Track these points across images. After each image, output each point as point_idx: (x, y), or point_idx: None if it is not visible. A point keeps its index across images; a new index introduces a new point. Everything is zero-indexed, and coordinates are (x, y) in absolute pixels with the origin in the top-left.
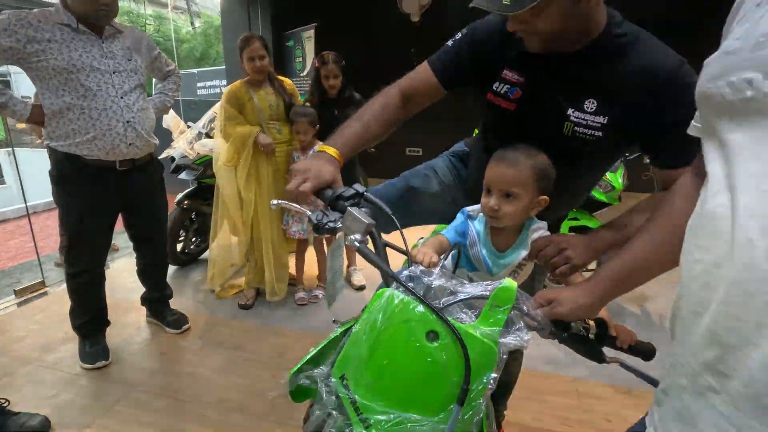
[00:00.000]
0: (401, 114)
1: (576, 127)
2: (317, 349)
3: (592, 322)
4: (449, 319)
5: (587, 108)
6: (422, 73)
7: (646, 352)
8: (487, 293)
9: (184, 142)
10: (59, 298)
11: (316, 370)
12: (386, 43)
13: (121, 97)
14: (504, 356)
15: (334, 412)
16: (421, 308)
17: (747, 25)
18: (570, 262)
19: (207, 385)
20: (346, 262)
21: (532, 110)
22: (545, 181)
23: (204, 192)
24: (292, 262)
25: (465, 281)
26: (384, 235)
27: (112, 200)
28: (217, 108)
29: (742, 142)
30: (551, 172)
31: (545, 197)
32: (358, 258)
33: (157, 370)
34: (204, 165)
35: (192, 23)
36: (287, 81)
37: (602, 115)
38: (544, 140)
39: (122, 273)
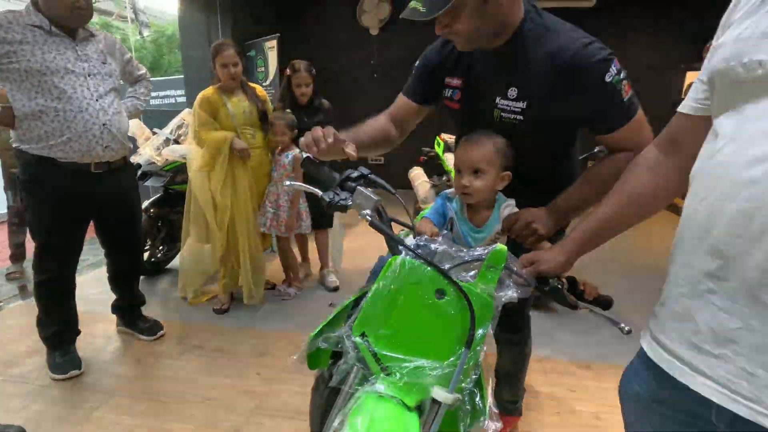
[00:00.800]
0: (397, 133)
1: (502, 113)
2: (334, 314)
3: (564, 280)
4: (454, 278)
5: (510, 95)
6: (400, 100)
7: (606, 301)
8: (484, 256)
9: (150, 148)
10: (15, 313)
11: (338, 331)
12: (347, 55)
13: (97, 100)
14: (499, 308)
15: (357, 365)
16: (429, 270)
17: (754, 18)
18: (537, 233)
19: (190, 386)
20: (319, 265)
21: (471, 105)
22: (506, 158)
23: (172, 199)
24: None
25: (462, 248)
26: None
27: (86, 204)
28: (184, 114)
29: (752, 110)
30: (509, 150)
31: (508, 172)
32: (331, 262)
33: (135, 376)
34: (173, 171)
35: (140, 32)
36: (258, 88)
37: (522, 100)
38: (484, 127)
39: (85, 284)
